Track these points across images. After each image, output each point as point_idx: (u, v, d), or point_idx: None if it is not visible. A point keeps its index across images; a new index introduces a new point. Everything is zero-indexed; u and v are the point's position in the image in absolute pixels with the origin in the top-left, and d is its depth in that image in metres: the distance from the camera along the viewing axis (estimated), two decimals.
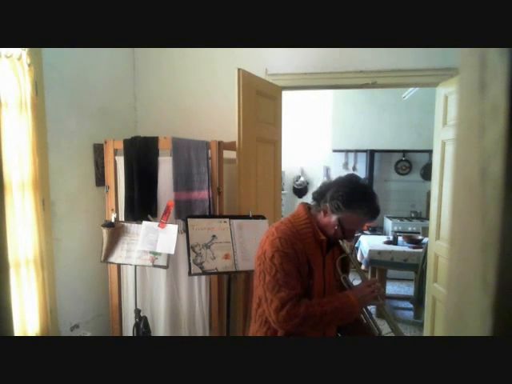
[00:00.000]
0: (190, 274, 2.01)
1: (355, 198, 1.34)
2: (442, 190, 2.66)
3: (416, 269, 3.76)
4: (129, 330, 2.44)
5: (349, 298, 1.31)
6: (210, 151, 2.38)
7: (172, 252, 2.15)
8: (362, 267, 3.92)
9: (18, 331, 1.88)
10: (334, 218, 1.37)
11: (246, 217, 2.27)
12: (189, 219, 2.13)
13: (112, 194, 2.45)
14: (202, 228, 2.13)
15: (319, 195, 1.42)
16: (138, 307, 2.26)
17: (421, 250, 3.77)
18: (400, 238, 4.21)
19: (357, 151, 5.59)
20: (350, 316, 1.32)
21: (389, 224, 5.21)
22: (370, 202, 1.35)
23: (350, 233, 1.40)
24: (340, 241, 1.42)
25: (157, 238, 2.18)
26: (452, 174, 0.39)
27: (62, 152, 2.29)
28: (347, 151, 5.63)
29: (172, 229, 2.18)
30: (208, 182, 2.37)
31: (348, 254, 1.45)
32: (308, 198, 2.90)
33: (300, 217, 1.42)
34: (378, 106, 5.40)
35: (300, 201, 5.49)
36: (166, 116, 2.97)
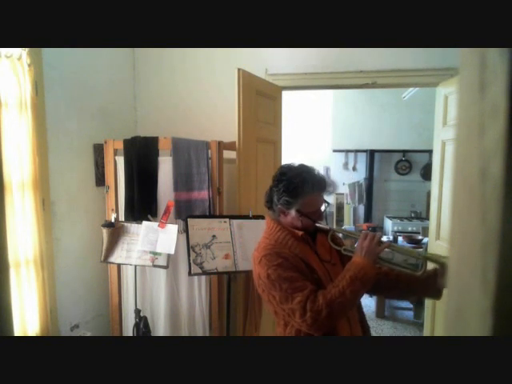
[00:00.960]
0: (190, 274, 2.00)
1: (295, 184, 1.33)
2: (442, 190, 2.66)
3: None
4: (129, 330, 2.44)
5: (355, 262, 1.28)
6: (210, 151, 2.38)
7: (172, 252, 2.15)
8: None
9: (18, 331, 1.88)
10: (292, 212, 1.37)
11: (246, 217, 2.27)
12: (189, 219, 2.13)
13: (112, 194, 2.45)
14: (202, 228, 2.13)
15: (269, 202, 1.44)
16: (138, 307, 2.26)
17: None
18: (400, 238, 4.22)
19: (357, 151, 5.58)
20: (368, 277, 1.26)
21: (389, 224, 5.21)
22: (310, 177, 1.34)
23: (315, 214, 1.39)
24: (316, 224, 1.42)
25: (157, 238, 2.18)
26: (452, 174, 0.39)
27: (61, 152, 2.29)
28: (347, 151, 5.63)
29: (172, 229, 2.18)
30: (208, 182, 2.37)
31: (330, 227, 1.45)
32: None
33: (271, 228, 1.42)
34: (378, 106, 5.39)
35: None
36: (166, 116, 2.97)
